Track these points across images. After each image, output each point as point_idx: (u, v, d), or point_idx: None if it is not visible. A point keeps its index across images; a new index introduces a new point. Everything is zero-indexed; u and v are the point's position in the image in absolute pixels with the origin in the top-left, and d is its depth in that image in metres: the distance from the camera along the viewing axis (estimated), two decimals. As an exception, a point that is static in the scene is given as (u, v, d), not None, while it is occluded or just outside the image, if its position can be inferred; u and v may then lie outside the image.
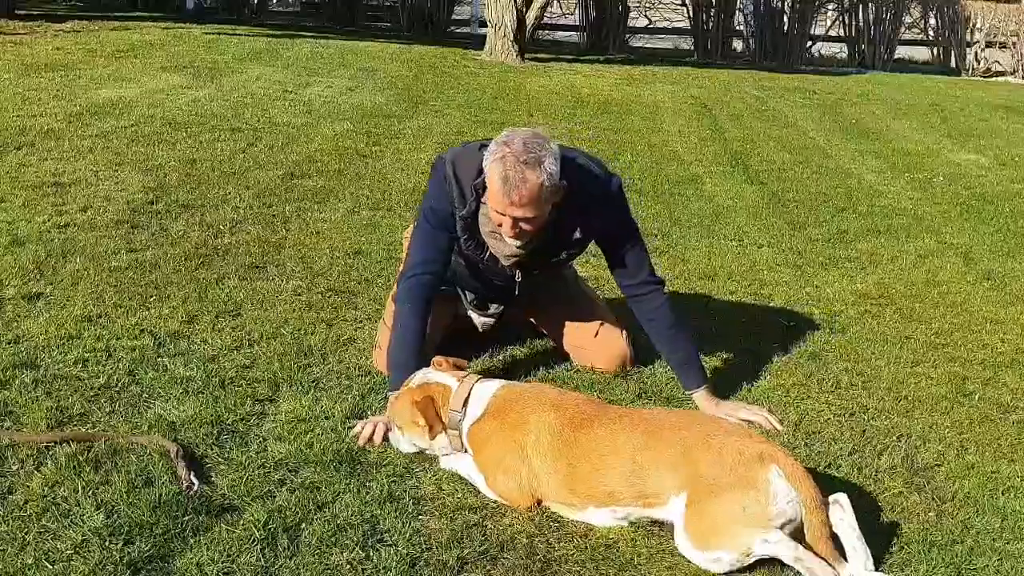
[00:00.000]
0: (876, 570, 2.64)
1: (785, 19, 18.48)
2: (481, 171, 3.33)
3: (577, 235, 3.53)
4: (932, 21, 19.82)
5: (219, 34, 13.96)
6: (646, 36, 19.88)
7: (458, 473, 3.05)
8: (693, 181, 7.58)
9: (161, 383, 3.46)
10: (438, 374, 3.16)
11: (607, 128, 9.64)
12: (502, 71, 13.30)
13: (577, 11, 19.19)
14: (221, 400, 3.37)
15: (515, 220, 3.29)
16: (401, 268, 3.70)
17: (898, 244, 6.20)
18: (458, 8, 19.34)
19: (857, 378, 4.03)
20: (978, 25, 19.12)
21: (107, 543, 2.55)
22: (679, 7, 19.30)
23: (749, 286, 5.13)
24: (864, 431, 3.56)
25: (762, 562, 2.65)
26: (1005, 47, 19.06)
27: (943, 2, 19.17)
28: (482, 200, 3.40)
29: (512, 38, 14.37)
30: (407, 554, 2.64)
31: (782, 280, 5.27)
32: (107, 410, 3.26)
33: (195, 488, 2.81)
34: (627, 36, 18.66)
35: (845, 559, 2.63)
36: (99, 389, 3.40)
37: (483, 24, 16.41)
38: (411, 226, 3.75)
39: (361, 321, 4.21)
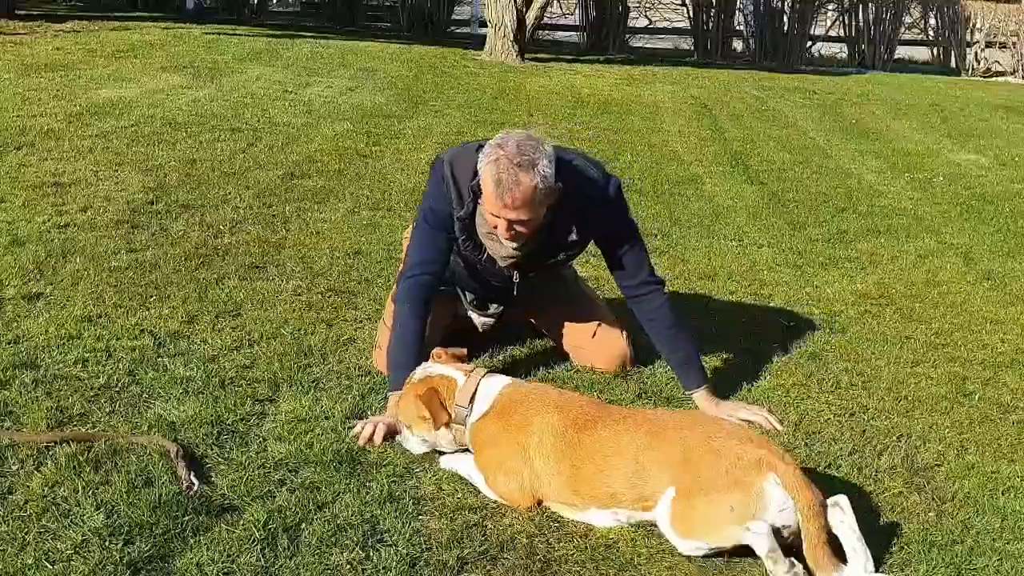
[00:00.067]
0: (876, 571, 2.64)
1: (785, 19, 18.48)
2: (477, 172, 3.33)
3: (573, 237, 3.53)
4: (932, 21, 19.82)
5: (219, 34, 13.96)
6: (646, 36, 19.88)
7: (458, 473, 3.05)
8: (693, 181, 7.58)
9: (161, 383, 3.46)
10: (439, 367, 3.16)
11: (607, 128, 9.64)
12: (502, 71, 13.30)
13: (577, 11, 19.20)
14: (221, 400, 3.37)
15: (510, 222, 3.30)
16: (400, 268, 3.70)
17: (898, 244, 6.20)
18: (458, 8, 19.34)
19: (857, 378, 4.03)
20: (978, 25, 19.12)
21: (107, 543, 2.55)
22: (679, 7, 19.30)
23: (749, 286, 5.13)
24: (864, 431, 3.56)
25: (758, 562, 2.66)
26: (1005, 47, 19.06)
27: (943, 2, 19.17)
28: (479, 201, 3.40)
29: (512, 38, 14.37)
30: (407, 554, 2.64)
31: (782, 280, 5.27)
32: (107, 410, 3.26)
33: (195, 488, 2.81)
34: (627, 36, 18.66)
35: (844, 562, 2.62)
36: (99, 389, 3.40)
37: (483, 24, 16.42)
38: (411, 226, 3.75)
39: (361, 321, 4.21)
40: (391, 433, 3.19)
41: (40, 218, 5.18)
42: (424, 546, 2.69)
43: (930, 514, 3.03)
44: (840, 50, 19.68)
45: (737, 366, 4.03)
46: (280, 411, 3.34)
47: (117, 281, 4.41)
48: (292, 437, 3.17)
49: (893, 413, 3.74)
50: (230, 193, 6.01)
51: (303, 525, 2.72)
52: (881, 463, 3.31)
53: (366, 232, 5.49)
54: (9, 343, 3.69)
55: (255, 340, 3.92)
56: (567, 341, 3.95)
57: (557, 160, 3.33)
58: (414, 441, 3.13)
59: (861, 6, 18.96)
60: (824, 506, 2.66)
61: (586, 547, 2.77)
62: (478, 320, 3.96)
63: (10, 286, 4.23)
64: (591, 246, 3.72)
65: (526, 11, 14.50)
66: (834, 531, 2.66)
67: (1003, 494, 3.18)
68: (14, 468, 2.87)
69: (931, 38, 20.06)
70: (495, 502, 2.93)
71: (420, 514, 2.84)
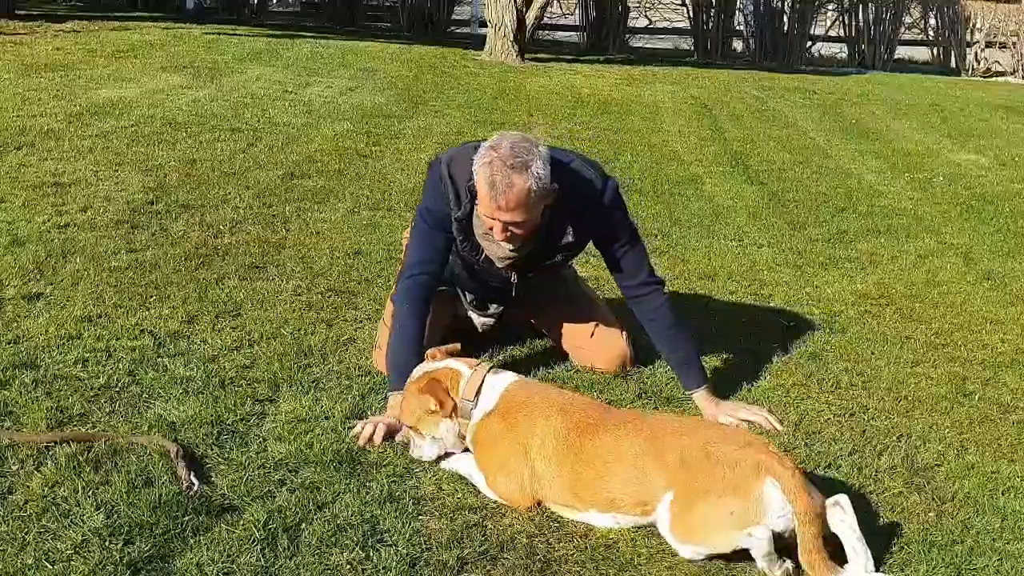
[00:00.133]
0: (876, 571, 2.64)
1: (785, 19, 18.48)
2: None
3: (570, 238, 3.53)
4: (932, 21, 19.83)
5: (219, 34, 13.96)
6: (646, 36, 19.88)
7: (458, 473, 3.05)
8: (693, 181, 7.58)
9: (161, 383, 3.46)
10: (436, 363, 3.16)
11: (607, 128, 9.64)
12: (502, 71, 13.30)
13: (577, 11, 19.20)
14: (221, 400, 3.37)
15: (505, 224, 3.30)
16: (400, 268, 3.70)
17: (898, 244, 6.20)
18: (458, 8, 19.35)
19: (857, 378, 4.03)
20: (978, 25, 19.12)
21: (107, 543, 2.55)
22: (679, 7, 19.31)
23: (749, 286, 5.13)
24: (864, 431, 3.56)
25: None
26: (1005, 47, 19.06)
27: (943, 2, 19.18)
28: (476, 203, 3.40)
29: (512, 38, 14.37)
30: (407, 554, 2.64)
31: (782, 280, 5.27)
32: (107, 410, 3.26)
33: (195, 488, 2.81)
34: (627, 36, 18.67)
35: (843, 564, 2.62)
36: (99, 389, 3.40)
37: (483, 24, 16.42)
38: (410, 226, 3.75)
39: (361, 321, 4.21)
40: (391, 433, 3.19)
41: (40, 218, 5.18)
42: (424, 546, 2.69)
43: (930, 514, 3.03)
44: (840, 50, 19.68)
45: (737, 366, 4.03)
46: (280, 411, 3.34)
47: (117, 281, 4.41)
48: (292, 437, 3.17)
49: (893, 413, 3.74)
50: (230, 193, 6.01)
51: (303, 525, 2.71)
52: (881, 463, 3.31)
53: (366, 232, 5.49)
54: (9, 343, 3.69)
55: (255, 340, 3.92)
56: (567, 341, 3.95)
57: (554, 161, 3.34)
58: (426, 445, 3.08)
59: (861, 6, 18.96)
60: (823, 510, 2.66)
61: (586, 547, 2.77)
62: (478, 320, 3.96)
63: (10, 286, 4.22)
64: (591, 246, 3.72)
65: (526, 11, 14.50)
66: (834, 531, 2.65)
67: (1003, 494, 3.18)
68: (14, 468, 2.87)
69: (931, 38, 20.07)
70: (495, 502, 2.93)
71: (420, 514, 2.83)
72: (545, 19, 16.37)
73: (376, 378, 3.63)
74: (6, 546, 2.53)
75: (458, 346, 3.30)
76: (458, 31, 18.87)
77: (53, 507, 2.69)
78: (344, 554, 2.61)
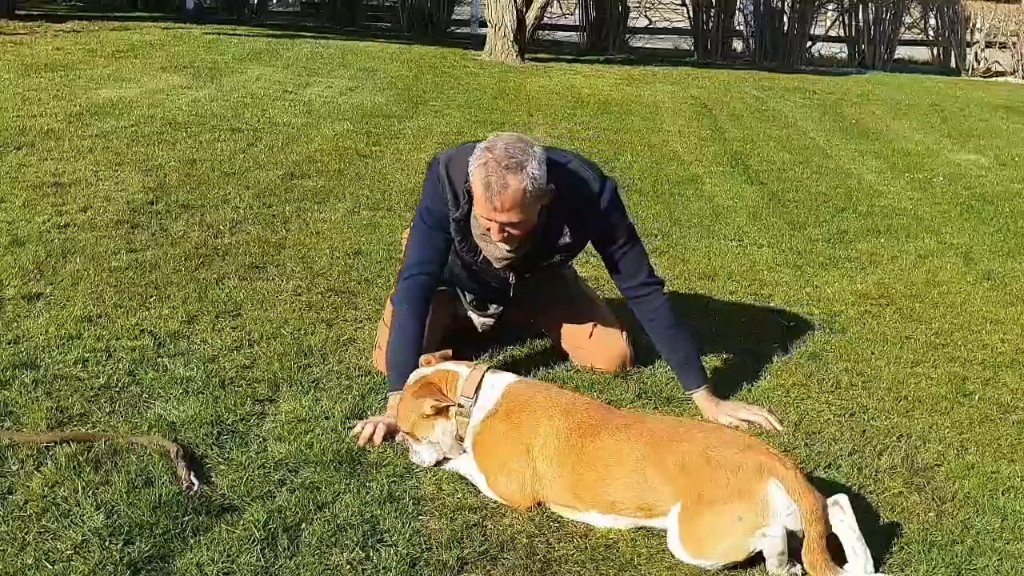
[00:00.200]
0: (876, 571, 2.64)
1: (785, 19, 18.48)
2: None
3: (567, 239, 3.53)
4: (932, 21, 19.82)
5: (219, 34, 13.96)
6: (646, 36, 19.88)
7: (458, 473, 3.05)
8: (693, 181, 7.58)
9: (161, 383, 3.46)
10: (432, 368, 3.16)
11: (607, 128, 9.64)
12: (502, 71, 13.30)
13: (577, 11, 19.19)
14: (221, 400, 3.37)
15: (501, 225, 3.30)
16: (399, 269, 3.70)
17: (898, 244, 6.20)
18: (458, 8, 19.34)
19: (857, 378, 4.03)
20: (978, 25, 19.12)
21: (107, 543, 2.55)
22: (679, 7, 19.30)
23: (749, 286, 5.13)
24: (864, 431, 3.56)
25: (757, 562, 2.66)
26: (1005, 47, 19.06)
27: (943, 2, 19.17)
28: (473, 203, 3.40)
29: (512, 38, 14.37)
30: (407, 554, 2.64)
31: (782, 280, 5.27)
32: (107, 410, 3.26)
33: (195, 488, 2.81)
34: (627, 36, 18.66)
35: (843, 565, 2.62)
36: (99, 389, 3.40)
37: (483, 24, 16.42)
38: (410, 226, 3.75)
39: (361, 321, 4.21)
40: (391, 433, 3.19)
41: (40, 218, 5.18)
42: (424, 546, 2.69)
43: (930, 514, 3.03)
44: (840, 50, 19.68)
45: (737, 366, 4.03)
46: (280, 411, 3.34)
47: (117, 281, 4.41)
48: (292, 437, 3.17)
49: (893, 413, 3.74)
50: (230, 193, 6.01)
51: (303, 525, 2.71)
52: (881, 463, 3.31)
53: (366, 232, 5.49)
54: (9, 343, 3.69)
55: (255, 340, 3.92)
56: (567, 341, 3.95)
57: (551, 162, 3.34)
58: (424, 449, 3.07)
59: (861, 6, 18.96)
60: (825, 510, 2.66)
61: (586, 547, 2.77)
62: (478, 320, 3.97)
63: (10, 286, 4.22)
64: (591, 246, 3.71)
65: (526, 11, 14.50)
66: (834, 530, 2.65)
67: (1003, 494, 3.18)
68: (14, 468, 2.87)
69: (931, 38, 20.06)
70: (495, 502, 2.93)
71: (420, 514, 2.84)
72: (545, 19, 16.37)
73: (376, 378, 3.63)
74: (6, 546, 2.53)
75: (450, 352, 3.29)
76: (458, 31, 18.87)
77: (53, 507, 2.69)
78: (344, 554, 2.61)
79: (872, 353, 4.31)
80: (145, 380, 3.48)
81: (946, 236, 6.48)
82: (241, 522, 2.69)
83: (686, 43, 19.02)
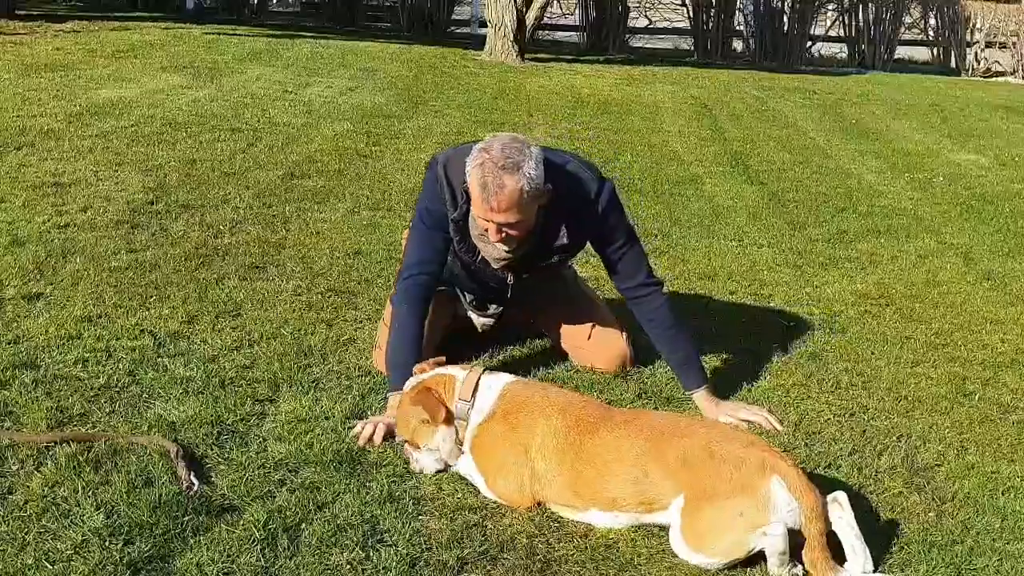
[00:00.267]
0: (876, 570, 2.64)
1: (785, 19, 18.49)
2: None
3: (565, 240, 3.53)
4: (932, 21, 19.83)
5: (219, 34, 13.96)
6: (646, 36, 19.89)
7: (458, 473, 3.05)
8: (693, 181, 7.58)
9: (161, 383, 3.46)
10: (426, 374, 3.15)
11: (607, 128, 9.64)
12: (502, 71, 13.30)
13: (577, 11, 19.20)
14: (221, 400, 3.37)
15: (499, 225, 3.30)
16: (399, 269, 3.70)
17: (898, 244, 6.20)
18: (458, 8, 19.35)
19: (857, 378, 4.03)
20: (978, 25, 19.13)
21: (107, 543, 2.55)
22: (679, 7, 19.31)
23: (749, 286, 5.13)
24: (864, 431, 3.56)
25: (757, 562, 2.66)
26: (1005, 47, 19.06)
27: (943, 2, 19.18)
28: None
29: (512, 38, 14.37)
30: (407, 554, 2.64)
31: (782, 280, 5.27)
32: (107, 410, 3.26)
33: (195, 488, 2.81)
34: (627, 36, 18.67)
35: (842, 564, 2.62)
36: (99, 389, 3.40)
37: (483, 24, 16.42)
38: (409, 226, 3.75)
39: (361, 321, 4.21)
40: (391, 433, 3.19)
41: (40, 218, 5.18)
42: (424, 546, 2.69)
43: (930, 514, 3.03)
44: (840, 50, 19.68)
45: (737, 366, 4.03)
46: (280, 411, 3.34)
47: (117, 281, 4.41)
48: (292, 437, 3.17)
49: (893, 413, 3.74)
50: (230, 193, 6.01)
51: (303, 525, 2.72)
52: (881, 463, 3.31)
53: (366, 232, 5.49)
54: (9, 343, 3.69)
55: (255, 340, 3.92)
56: (567, 341, 3.95)
57: (549, 163, 3.33)
58: (425, 457, 3.06)
59: (861, 6, 18.97)
60: (825, 508, 2.66)
61: (586, 547, 2.77)
62: (478, 320, 3.97)
63: (10, 286, 4.22)
64: (591, 247, 3.71)
65: (526, 11, 14.50)
66: (833, 528, 2.65)
67: (1003, 494, 3.18)
68: (14, 468, 2.87)
69: (931, 38, 20.07)
70: (495, 502, 2.93)
71: (420, 514, 2.84)
72: (545, 19, 16.37)
73: (376, 378, 3.63)
74: (6, 546, 2.53)
75: (443, 359, 3.27)
76: (458, 31, 18.87)
77: (53, 507, 2.69)
78: (344, 554, 2.61)
79: (872, 353, 4.31)
80: (145, 380, 3.48)
81: (946, 236, 6.48)
82: (241, 522, 2.69)
83: (686, 43, 19.03)
